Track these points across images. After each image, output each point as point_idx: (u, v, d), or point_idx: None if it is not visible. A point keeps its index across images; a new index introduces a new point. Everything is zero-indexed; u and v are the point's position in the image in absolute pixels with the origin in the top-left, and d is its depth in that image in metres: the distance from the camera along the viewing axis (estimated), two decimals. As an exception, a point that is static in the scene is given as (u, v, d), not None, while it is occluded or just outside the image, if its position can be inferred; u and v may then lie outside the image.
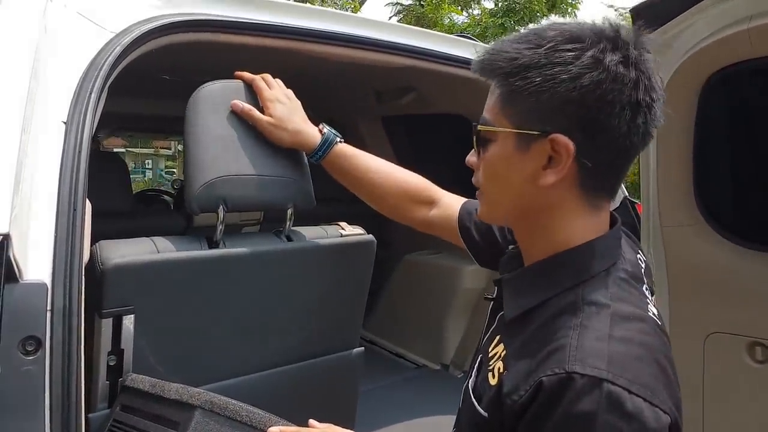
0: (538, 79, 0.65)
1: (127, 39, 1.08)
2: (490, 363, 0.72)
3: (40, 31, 1.01)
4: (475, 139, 0.75)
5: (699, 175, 1.45)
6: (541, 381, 0.61)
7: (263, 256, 1.22)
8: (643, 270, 0.77)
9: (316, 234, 1.33)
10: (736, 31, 1.21)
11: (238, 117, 1.17)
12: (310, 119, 1.22)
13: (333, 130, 1.20)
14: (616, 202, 1.80)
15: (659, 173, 1.47)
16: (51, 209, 0.90)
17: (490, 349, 0.75)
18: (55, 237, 0.88)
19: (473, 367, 0.78)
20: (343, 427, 0.96)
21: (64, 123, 0.96)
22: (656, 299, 0.75)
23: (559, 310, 0.67)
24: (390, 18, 15.99)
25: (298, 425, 1.00)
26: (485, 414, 0.69)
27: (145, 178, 19.43)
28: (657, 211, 1.51)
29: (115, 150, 11.57)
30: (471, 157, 0.78)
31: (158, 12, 1.17)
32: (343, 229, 1.40)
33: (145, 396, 1.04)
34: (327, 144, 1.18)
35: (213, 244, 1.17)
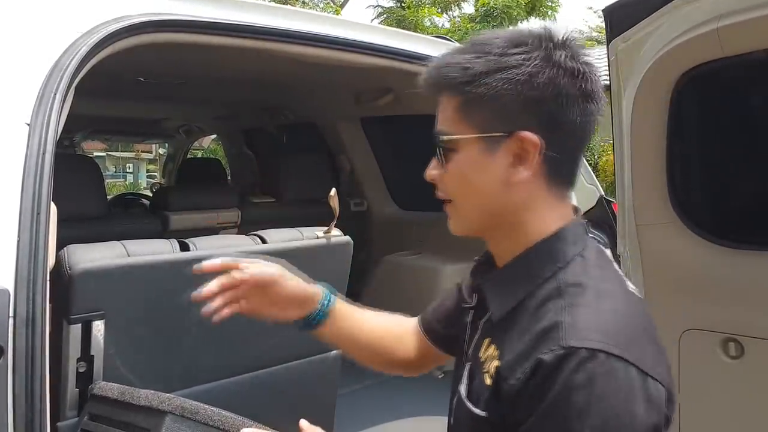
0: (496, 84, 0.68)
1: (94, 39, 1.05)
2: (484, 366, 0.72)
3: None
4: (439, 151, 0.75)
5: (672, 173, 1.46)
6: (539, 359, 0.62)
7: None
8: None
9: (291, 236, 1.32)
10: (706, 30, 1.22)
11: None
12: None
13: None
14: (592, 201, 1.81)
15: (634, 172, 1.48)
16: (13, 213, 0.87)
17: (480, 355, 0.75)
18: (18, 242, 0.86)
19: (462, 377, 0.77)
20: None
21: (27, 125, 0.94)
22: None
23: (543, 298, 0.69)
24: (372, 20, 15.98)
25: (274, 429, 0.98)
26: (484, 413, 0.70)
27: (126, 182, 19.19)
28: (632, 210, 1.51)
29: (96, 154, 11.39)
30: (432, 171, 0.77)
31: (126, 11, 1.15)
32: (319, 230, 1.39)
33: (113, 404, 1.02)
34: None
35: (185, 247, 1.16)
